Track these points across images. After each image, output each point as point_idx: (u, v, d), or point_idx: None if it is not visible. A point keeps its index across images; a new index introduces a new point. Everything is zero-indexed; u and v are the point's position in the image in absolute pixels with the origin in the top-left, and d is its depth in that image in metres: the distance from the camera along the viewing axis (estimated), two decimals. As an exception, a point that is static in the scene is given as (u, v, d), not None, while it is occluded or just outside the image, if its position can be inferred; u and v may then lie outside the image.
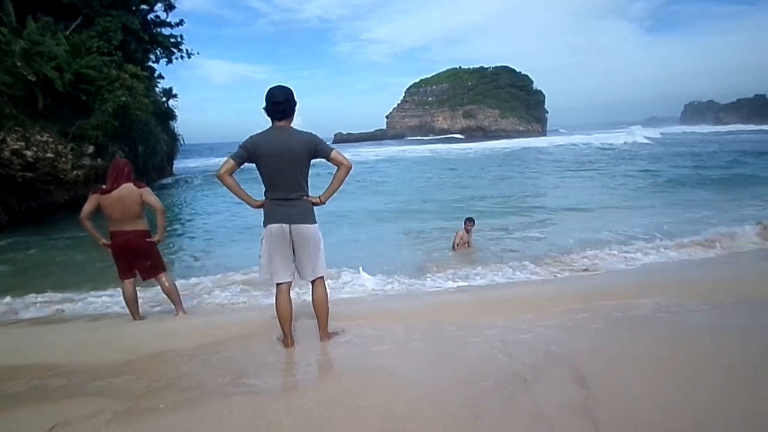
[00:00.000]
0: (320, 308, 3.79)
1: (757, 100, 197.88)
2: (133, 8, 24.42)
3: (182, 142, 32.08)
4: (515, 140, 73.28)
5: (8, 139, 13.65)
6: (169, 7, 27.21)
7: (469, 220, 8.96)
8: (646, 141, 50.47)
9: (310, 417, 2.65)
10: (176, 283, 5.51)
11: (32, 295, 6.76)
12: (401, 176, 27.63)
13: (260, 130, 3.52)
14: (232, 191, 3.54)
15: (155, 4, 26.53)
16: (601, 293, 5.04)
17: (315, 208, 3.69)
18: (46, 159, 14.72)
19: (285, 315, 3.71)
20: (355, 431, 2.51)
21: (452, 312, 4.63)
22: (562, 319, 4.18)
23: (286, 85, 3.54)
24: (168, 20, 28.09)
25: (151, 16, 27.23)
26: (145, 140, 21.79)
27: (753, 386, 2.76)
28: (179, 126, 31.04)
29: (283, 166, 3.45)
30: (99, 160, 16.43)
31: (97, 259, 8.99)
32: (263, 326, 4.25)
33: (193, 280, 7.36)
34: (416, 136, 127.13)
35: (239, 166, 3.48)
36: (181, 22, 28.65)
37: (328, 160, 3.54)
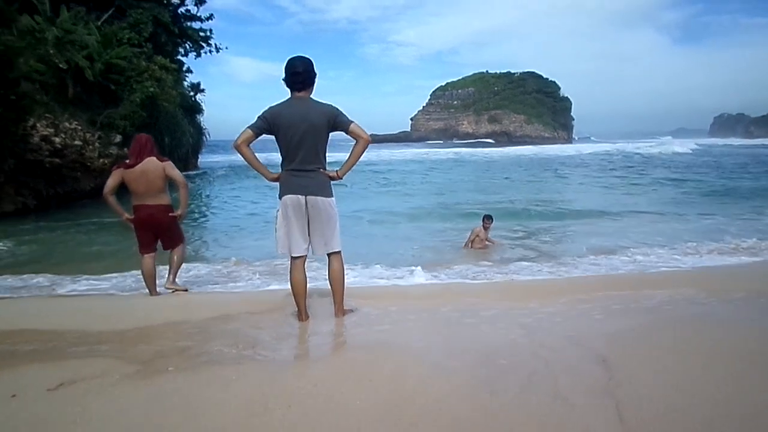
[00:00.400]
0: (336, 282, 3.71)
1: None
2: (165, 1, 24.83)
3: (208, 137, 32.47)
4: (542, 147, 72.42)
5: (38, 125, 13.95)
6: (200, 1, 27.62)
7: (488, 218, 8.75)
8: (687, 151, 49.27)
9: (319, 386, 2.57)
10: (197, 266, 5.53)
11: (50, 274, 6.81)
12: (423, 177, 27.49)
13: (279, 101, 3.47)
14: (248, 162, 3.49)
15: (186, -3, 26.96)
16: (618, 284, 4.98)
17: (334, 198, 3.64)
18: (74, 146, 15.01)
19: (299, 290, 3.65)
20: (364, 402, 2.43)
21: (467, 295, 4.58)
22: (581, 306, 4.09)
23: (306, 55, 3.49)
24: (198, 14, 28.54)
25: (181, 9, 27.67)
26: (172, 132, 22.12)
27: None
28: (205, 120, 31.50)
29: (303, 137, 3.39)
30: (126, 149, 16.64)
31: (118, 241, 9.09)
32: (278, 303, 4.20)
33: (213, 264, 7.38)
34: (440, 139, 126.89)
35: (257, 137, 3.43)
36: (211, 17, 29.12)
37: (346, 133, 3.48)
